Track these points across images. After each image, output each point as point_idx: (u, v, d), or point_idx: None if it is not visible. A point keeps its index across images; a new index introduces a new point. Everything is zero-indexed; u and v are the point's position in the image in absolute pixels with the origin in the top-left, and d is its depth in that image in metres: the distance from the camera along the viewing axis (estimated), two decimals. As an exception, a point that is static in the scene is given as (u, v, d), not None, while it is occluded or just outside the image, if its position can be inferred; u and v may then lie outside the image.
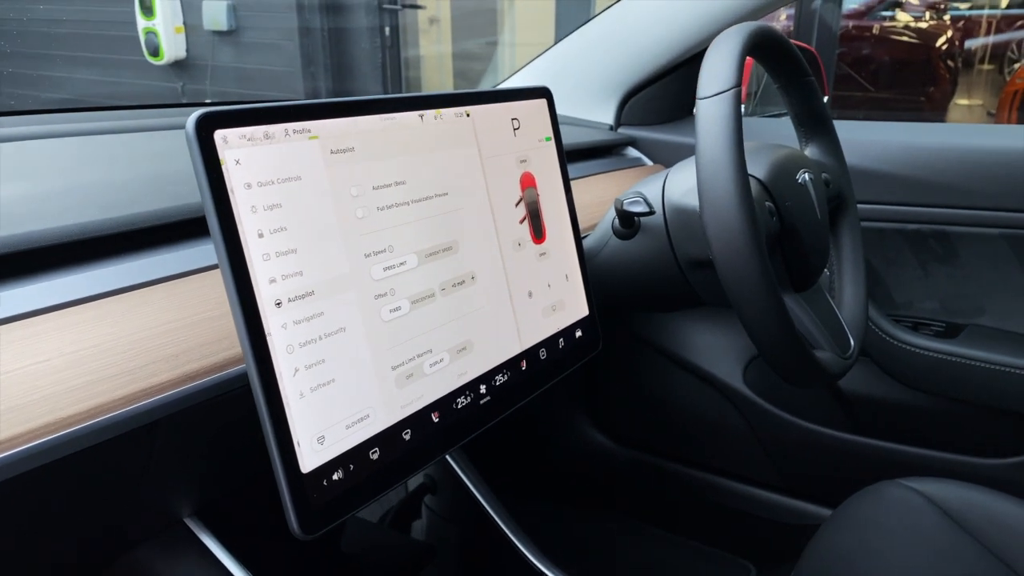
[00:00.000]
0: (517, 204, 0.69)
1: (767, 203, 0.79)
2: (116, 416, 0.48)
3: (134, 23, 4.25)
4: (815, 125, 0.94)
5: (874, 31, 5.68)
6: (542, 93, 0.74)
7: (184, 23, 4.30)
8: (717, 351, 1.30)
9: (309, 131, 0.51)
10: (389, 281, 0.56)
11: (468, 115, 0.64)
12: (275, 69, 4.19)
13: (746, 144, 0.86)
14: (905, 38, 5.86)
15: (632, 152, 1.31)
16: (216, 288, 0.58)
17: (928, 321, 1.19)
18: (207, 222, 0.46)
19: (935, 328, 1.17)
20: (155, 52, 4.30)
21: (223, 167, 0.46)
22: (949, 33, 5.93)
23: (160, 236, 0.61)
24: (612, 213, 0.88)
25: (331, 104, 0.53)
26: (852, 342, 0.86)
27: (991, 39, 6.00)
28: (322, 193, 0.51)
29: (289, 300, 0.49)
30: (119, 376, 0.49)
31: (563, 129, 1.23)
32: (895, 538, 0.92)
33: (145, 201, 0.61)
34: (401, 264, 0.57)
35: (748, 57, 0.84)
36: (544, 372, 0.71)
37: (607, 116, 1.32)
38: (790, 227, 0.81)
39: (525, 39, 4.58)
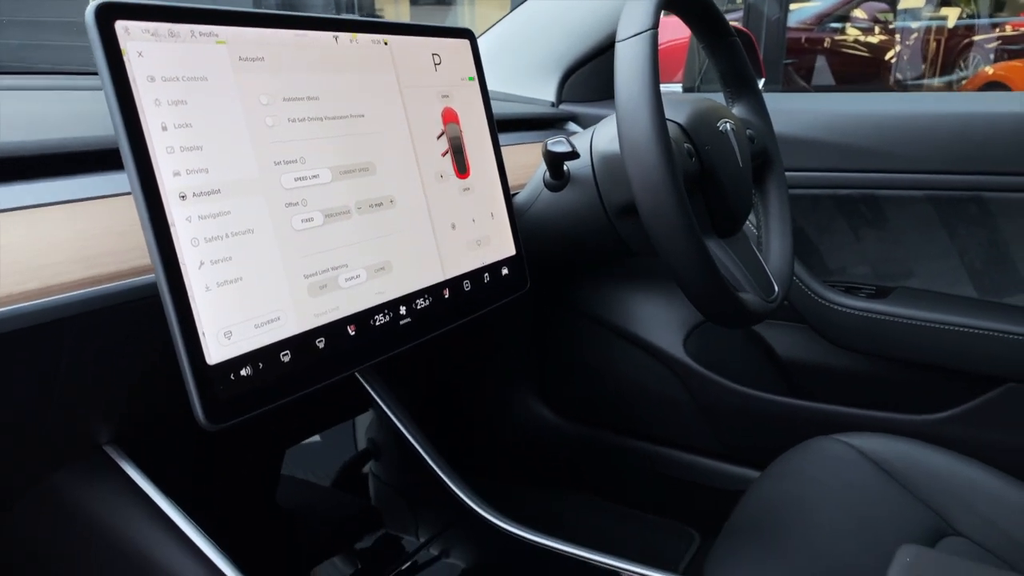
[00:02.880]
0: (439, 137, 0.71)
1: (686, 144, 0.81)
2: (17, 309, 0.48)
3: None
4: (740, 85, 0.97)
5: (825, 44, 5.82)
6: (464, 34, 0.76)
7: (140, 33, 4.27)
8: (658, 322, 1.32)
9: (216, 35, 0.52)
10: (300, 192, 0.56)
11: (386, 43, 0.66)
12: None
13: (670, 95, 0.88)
14: (856, 51, 6.01)
15: (573, 127, 1.33)
16: None
17: (859, 285, 1.23)
18: (109, 112, 0.47)
19: (866, 291, 1.21)
20: (111, 62, 4.25)
21: (124, 57, 0.47)
22: (897, 48, 6.11)
23: (109, 161, 0.62)
24: (543, 167, 0.89)
25: (240, 13, 0.54)
26: (776, 288, 0.88)
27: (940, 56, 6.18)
28: (229, 97, 0.52)
29: (194, 195, 0.50)
30: (25, 272, 0.49)
31: (503, 105, 1.26)
32: (826, 487, 0.94)
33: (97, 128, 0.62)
34: (313, 176, 0.58)
35: (672, 14, 0.87)
36: (468, 303, 0.72)
37: (548, 93, 1.34)
38: (710, 170, 0.83)
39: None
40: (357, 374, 0.83)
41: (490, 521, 0.78)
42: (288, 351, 0.54)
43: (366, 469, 0.99)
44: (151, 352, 0.60)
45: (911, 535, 0.86)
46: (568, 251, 0.94)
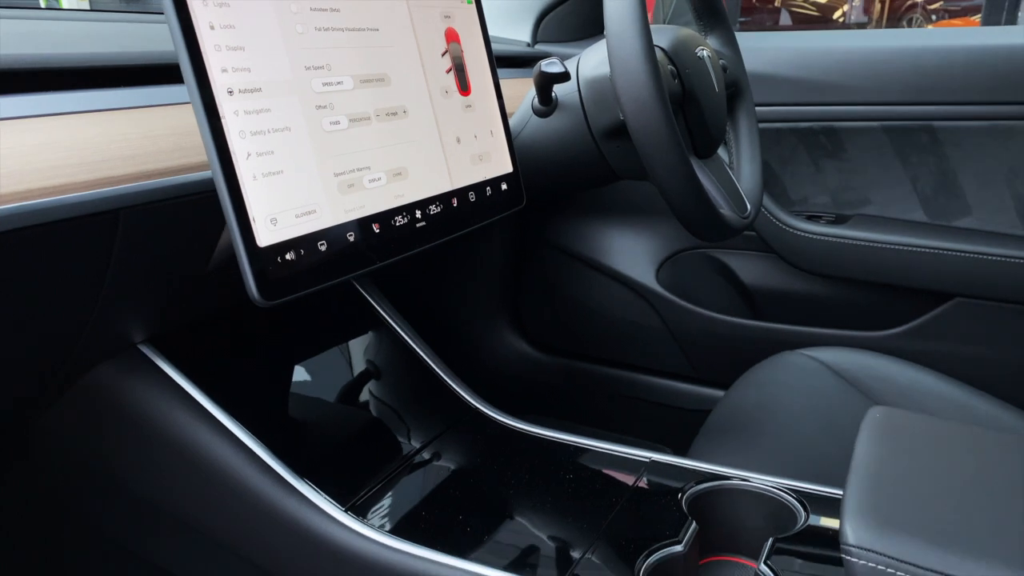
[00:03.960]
0: (443, 55, 0.75)
1: (669, 67, 0.87)
2: (79, 196, 0.52)
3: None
4: (712, 18, 1.03)
5: (776, 2, 5.92)
6: (462, -40, 0.80)
7: (87, -12, 4.16)
8: (632, 254, 1.39)
9: (251, -56, 0.56)
10: (328, 96, 0.61)
11: (395, -37, 0.70)
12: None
13: (652, 25, 0.94)
14: (805, 11, 6.12)
15: (549, 67, 1.38)
16: (183, 113, 0.61)
17: (820, 213, 1.31)
18: (163, 10, 0.50)
19: (827, 219, 1.29)
20: (56, 19, 4.14)
21: (175, -41, 0.50)
22: (845, 7, 6.23)
23: (155, 75, 0.65)
24: (531, 94, 0.94)
25: (270, -77, 0.57)
26: (749, 206, 0.95)
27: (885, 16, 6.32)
28: (264, 3, 0.56)
29: (240, 91, 0.54)
30: (81, 165, 0.53)
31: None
32: (792, 392, 1.02)
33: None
34: (339, 83, 0.62)
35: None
36: (474, 213, 0.77)
37: (523, 34, 1.39)
38: (691, 93, 0.89)
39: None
40: (361, 289, 0.88)
41: (488, 415, 0.85)
42: (324, 241, 0.59)
43: (364, 396, 1.05)
44: (192, 252, 0.64)
45: None
46: (555, 177, 1.00)
